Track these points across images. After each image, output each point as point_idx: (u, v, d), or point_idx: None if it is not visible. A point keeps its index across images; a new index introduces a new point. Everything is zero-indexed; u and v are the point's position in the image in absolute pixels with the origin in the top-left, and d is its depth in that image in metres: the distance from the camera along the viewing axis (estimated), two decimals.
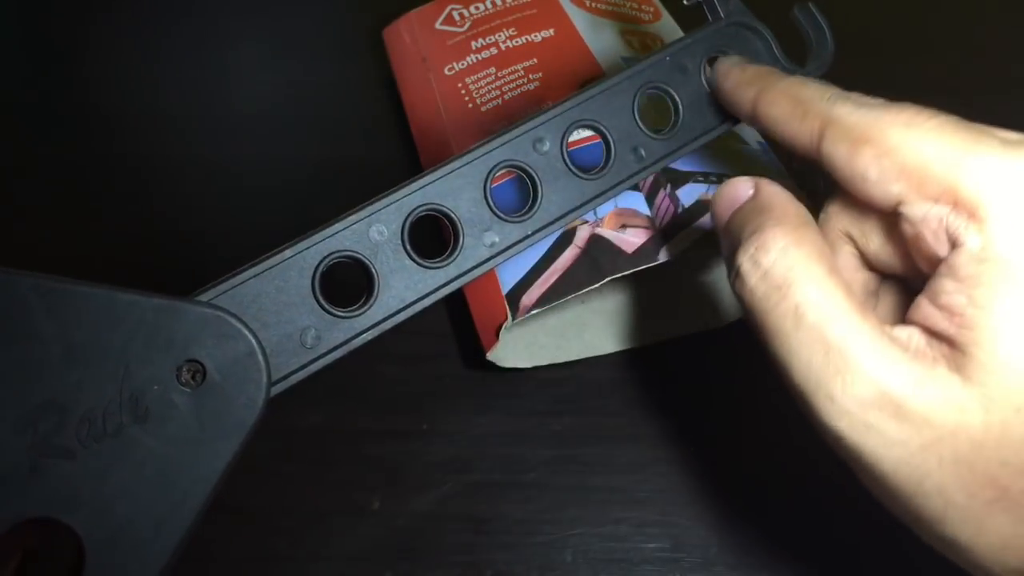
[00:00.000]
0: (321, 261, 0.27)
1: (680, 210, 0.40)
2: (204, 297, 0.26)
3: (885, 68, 0.55)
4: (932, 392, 0.24)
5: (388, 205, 0.28)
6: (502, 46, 0.47)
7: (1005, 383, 0.24)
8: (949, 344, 0.25)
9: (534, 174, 0.30)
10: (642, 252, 0.38)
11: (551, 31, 0.47)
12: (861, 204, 0.28)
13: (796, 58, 0.35)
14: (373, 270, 0.28)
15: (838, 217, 0.30)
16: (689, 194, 0.40)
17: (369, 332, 0.28)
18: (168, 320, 0.25)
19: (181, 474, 0.25)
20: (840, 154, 0.27)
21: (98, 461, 0.24)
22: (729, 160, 0.42)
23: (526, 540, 0.37)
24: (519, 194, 0.31)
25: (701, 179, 0.41)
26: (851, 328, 0.25)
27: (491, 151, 0.29)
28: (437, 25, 0.50)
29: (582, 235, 0.39)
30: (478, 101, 0.46)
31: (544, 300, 0.37)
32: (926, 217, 0.26)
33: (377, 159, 0.50)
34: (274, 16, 0.62)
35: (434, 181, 0.28)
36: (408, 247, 0.28)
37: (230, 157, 0.52)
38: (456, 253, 0.29)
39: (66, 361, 0.24)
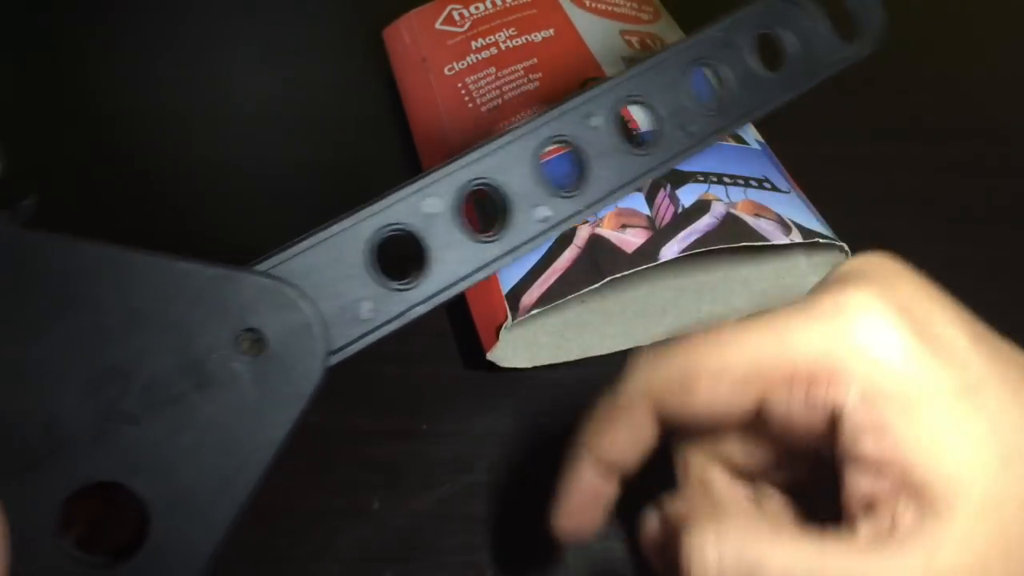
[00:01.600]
0: (376, 233, 0.27)
1: (680, 210, 0.40)
2: (261, 267, 0.26)
3: (881, 67, 0.55)
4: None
5: (441, 179, 0.28)
6: (502, 46, 0.47)
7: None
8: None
9: (584, 149, 0.30)
10: (642, 252, 0.38)
11: (551, 31, 0.47)
12: (710, 427, 0.27)
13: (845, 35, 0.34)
14: (426, 243, 0.28)
15: (695, 452, 0.28)
16: (689, 194, 0.40)
17: (423, 305, 0.28)
18: (228, 289, 0.25)
19: (241, 443, 0.25)
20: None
21: (161, 427, 0.24)
22: (729, 159, 0.42)
23: (526, 540, 0.37)
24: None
25: (701, 179, 0.41)
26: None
27: (541, 126, 0.29)
28: (437, 25, 0.50)
29: (582, 235, 0.39)
30: (478, 101, 0.46)
31: (544, 300, 0.37)
32: (789, 406, 0.24)
33: (377, 159, 0.50)
34: (274, 16, 0.62)
35: (486, 156, 0.28)
36: (461, 221, 0.28)
37: (229, 157, 0.52)
38: (507, 228, 0.29)
39: (129, 328, 0.24)
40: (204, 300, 0.25)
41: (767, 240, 0.39)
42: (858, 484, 0.23)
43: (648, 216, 0.40)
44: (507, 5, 0.49)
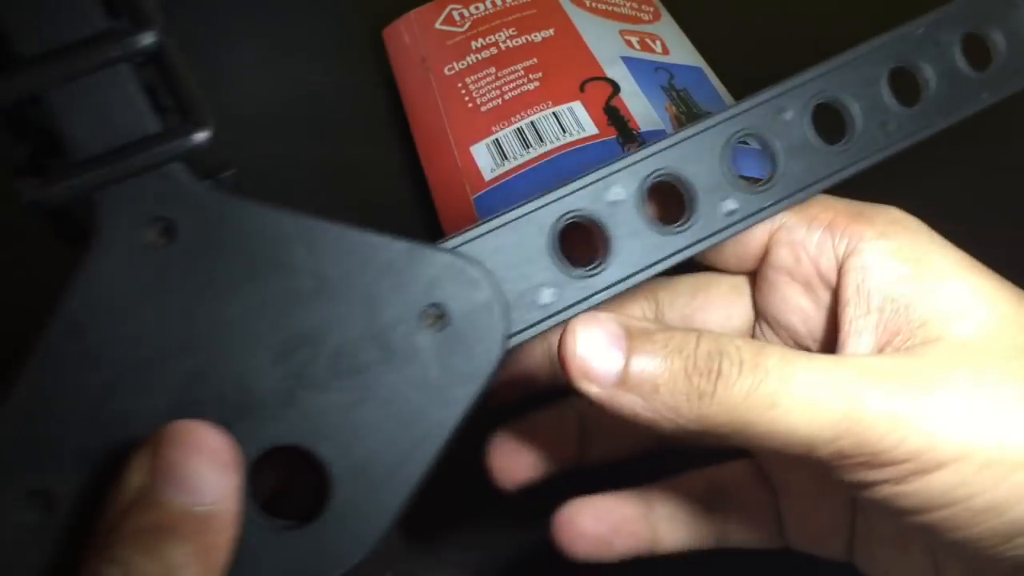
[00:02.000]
0: (559, 219, 0.27)
1: None
2: (447, 245, 0.26)
3: None
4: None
5: (626, 168, 0.28)
6: (502, 46, 0.47)
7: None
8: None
9: (774, 144, 0.29)
10: None
11: (551, 31, 0.47)
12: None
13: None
14: (609, 231, 0.28)
15: None
16: None
17: (604, 293, 0.27)
18: (415, 264, 0.25)
19: (421, 417, 0.25)
20: None
21: (347, 395, 0.25)
22: None
23: (526, 540, 0.37)
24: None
25: None
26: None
27: (731, 118, 0.29)
28: (437, 25, 0.50)
29: None
30: (478, 101, 0.46)
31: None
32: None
33: (377, 159, 0.50)
34: (273, 16, 0.62)
35: (672, 146, 0.28)
36: (645, 210, 0.28)
37: (229, 157, 0.52)
38: (691, 220, 0.28)
39: (320, 296, 0.24)
40: (392, 273, 0.25)
41: None
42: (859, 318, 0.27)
43: None
44: (507, 5, 0.49)
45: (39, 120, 0.23)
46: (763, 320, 0.32)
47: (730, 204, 0.29)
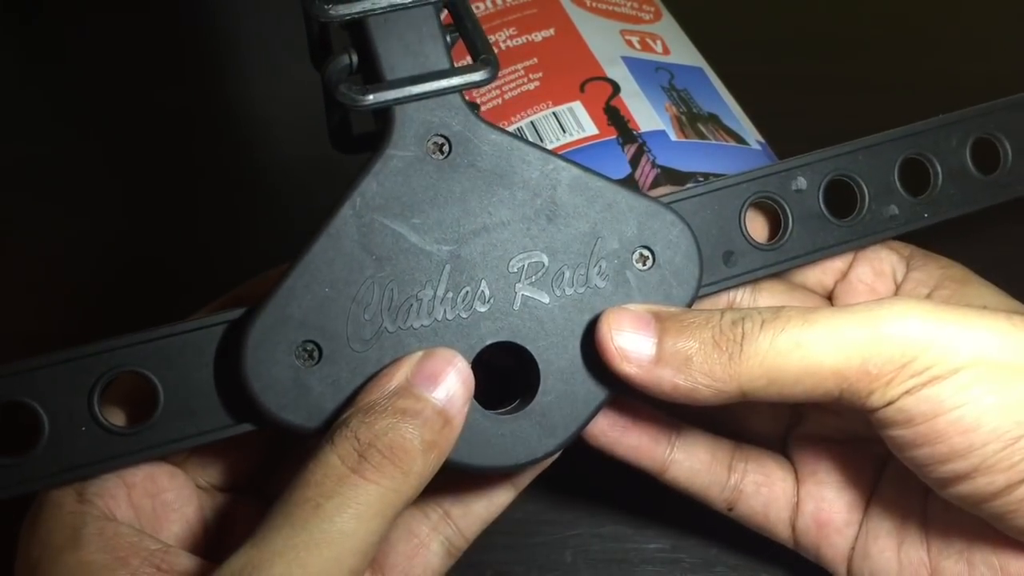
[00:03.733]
0: (750, 197, 0.32)
1: None
2: (660, 199, 0.30)
3: (881, 66, 0.55)
4: None
5: (812, 163, 0.32)
6: (502, 46, 0.47)
7: None
8: None
9: (937, 165, 0.33)
10: None
11: (551, 31, 0.47)
12: None
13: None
14: (790, 213, 0.32)
15: None
16: None
17: (780, 265, 0.32)
18: (634, 208, 0.30)
19: None
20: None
21: (562, 307, 0.29)
22: (729, 159, 0.42)
23: (526, 540, 0.37)
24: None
25: (701, 179, 0.41)
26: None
27: (908, 136, 0.33)
28: None
29: None
30: (478, 101, 0.46)
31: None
32: None
33: None
34: (274, 16, 0.62)
35: (855, 151, 0.33)
36: (822, 200, 0.32)
37: (230, 157, 0.52)
38: (859, 218, 0.33)
39: (553, 220, 0.29)
40: (614, 212, 0.29)
41: None
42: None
43: None
44: (507, 5, 0.49)
45: (360, 42, 0.29)
46: None
47: (893, 210, 0.33)
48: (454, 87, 0.28)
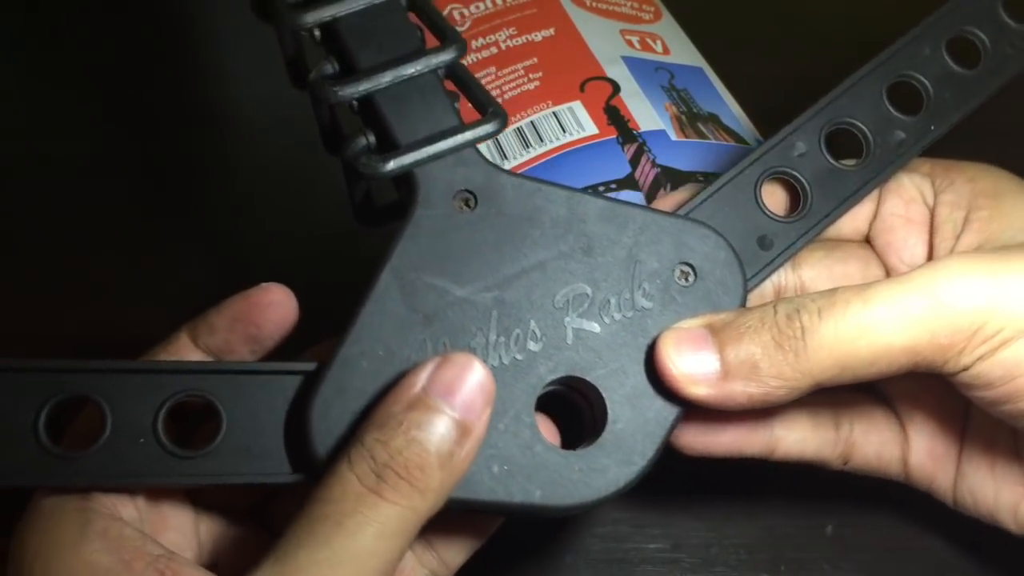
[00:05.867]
0: (759, 178, 0.32)
1: None
2: (683, 212, 0.31)
3: None
4: None
5: (803, 124, 0.33)
6: (502, 46, 0.47)
7: None
8: None
9: (922, 79, 0.34)
10: None
11: (551, 31, 0.47)
12: None
13: None
14: (802, 180, 0.32)
15: None
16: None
17: (814, 231, 0.32)
18: (665, 228, 0.30)
19: None
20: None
21: (615, 334, 0.29)
22: (730, 160, 0.42)
23: (527, 541, 0.37)
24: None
25: (701, 179, 0.41)
26: None
27: (883, 64, 0.33)
28: None
29: None
30: None
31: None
32: None
33: None
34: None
35: (837, 98, 0.33)
36: (827, 154, 0.33)
37: (230, 157, 0.52)
38: (870, 155, 0.33)
39: (589, 252, 0.30)
40: (647, 235, 0.30)
41: None
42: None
43: None
44: (507, 5, 0.49)
45: (372, 118, 0.30)
46: (891, 271, 0.34)
47: (899, 135, 0.33)
48: (468, 141, 0.29)
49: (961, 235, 0.32)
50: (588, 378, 0.29)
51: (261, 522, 0.32)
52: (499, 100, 0.45)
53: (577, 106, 0.44)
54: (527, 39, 0.47)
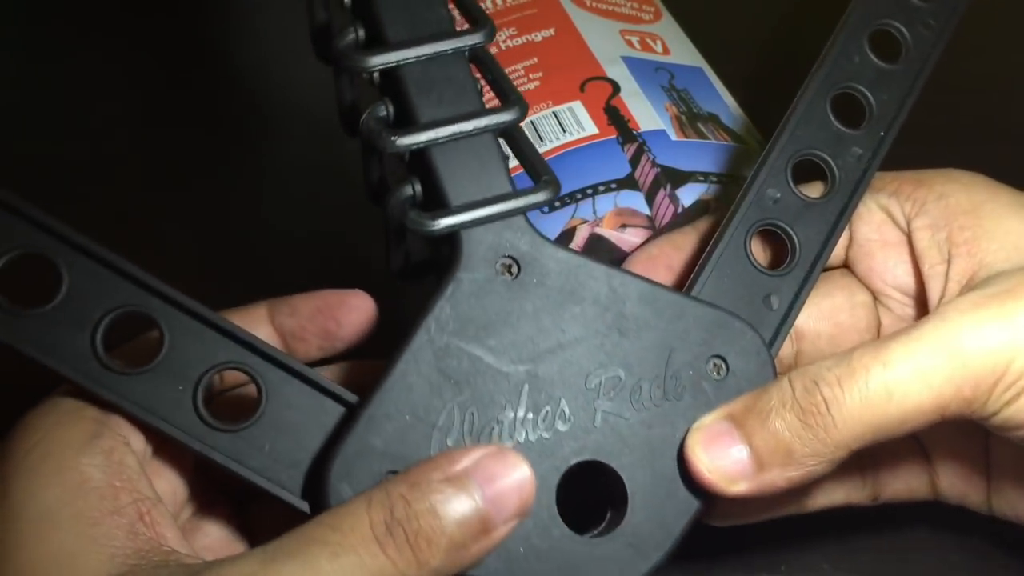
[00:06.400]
0: (746, 236, 0.32)
1: (680, 210, 0.40)
2: (695, 294, 0.31)
3: None
4: None
5: (771, 165, 0.32)
6: (502, 46, 0.47)
7: None
8: None
9: (863, 90, 0.33)
10: None
11: (551, 31, 0.47)
12: None
13: None
14: (787, 228, 0.32)
15: None
16: (689, 194, 0.40)
17: (812, 276, 0.32)
18: (701, 318, 0.30)
19: None
20: None
21: (644, 422, 0.29)
22: (731, 160, 0.42)
23: None
24: None
25: (701, 179, 0.41)
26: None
27: (825, 77, 0.33)
28: None
29: (582, 235, 0.39)
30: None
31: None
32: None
33: None
34: (274, 15, 0.62)
35: (794, 128, 0.33)
36: (799, 191, 0.32)
37: (230, 157, 0.52)
38: (837, 184, 0.32)
39: (624, 334, 0.29)
40: (681, 323, 0.29)
41: None
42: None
43: (648, 216, 0.40)
44: (507, 5, 0.49)
45: (423, 171, 0.29)
46: (878, 295, 0.34)
47: (856, 151, 0.33)
48: (519, 208, 0.29)
49: (950, 263, 0.31)
50: (613, 465, 0.28)
51: (236, 512, 0.32)
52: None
53: (577, 106, 0.44)
54: (527, 39, 0.47)
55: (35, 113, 0.55)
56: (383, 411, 0.27)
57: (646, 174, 0.41)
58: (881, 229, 0.33)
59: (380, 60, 0.29)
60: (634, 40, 0.48)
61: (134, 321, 0.28)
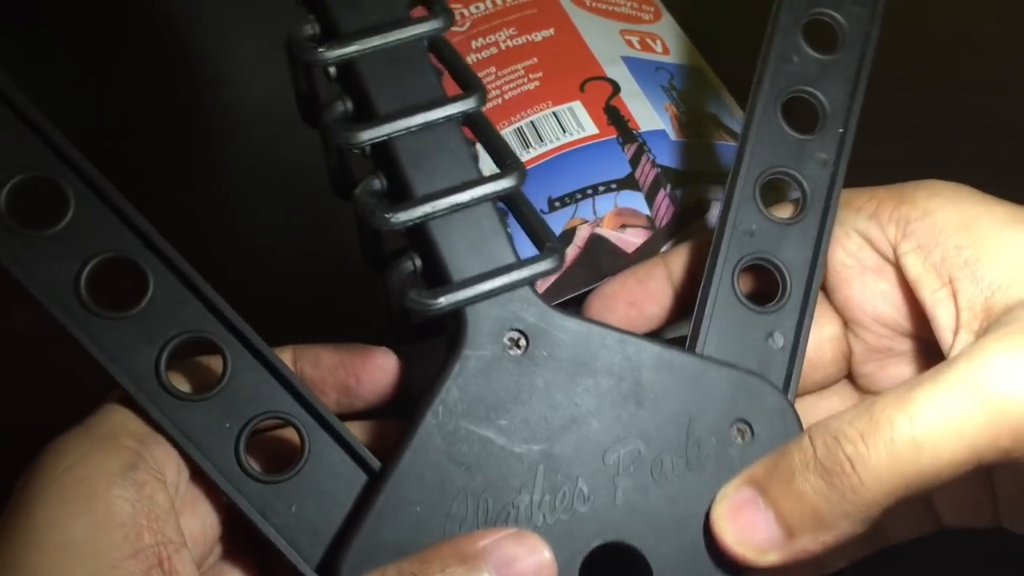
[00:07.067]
0: (734, 274, 0.30)
1: (680, 210, 0.40)
2: (707, 354, 0.29)
3: (881, 66, 0.55)
4: None
5: (741, 194, 0.31)
6: (502, 46, 0.47)
7: None
8: None
9: (811, 90, 0.32)
10: (642, 252, 0.38)
11: (551, 31, 0.47)
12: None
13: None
14: (774, 260, 0.30)
15: None
16: (689, 194, 0.40)
17: (809, 304, 0.30)
18: (720, 381, 0.28)
19: None
20: None
21: (666, 497, 0.27)
22: (729, 159, 0.42)
23: None
24: None
25: (701, 179, 0.41)
26: None
27: (769, 83, 0.32)
28: None
29: (582, 235, 0.39)
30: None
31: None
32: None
33: None
34: (273, 15, 0.62)
35: (753, 147, 0.31)
36: (773, 216, 0.31)
37: (229, 157, 0.52)
38: (810, 198, 0.31)
39: (641, 404, 0.28)
40: (702, 387, 0.28)
41: None
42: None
43: (648, 216, 0.40)
44: (507, 5, 0.49)
45: (422, 246, 0.28)
46: (852, 324, 0.32)
47: (820, 156, 0.31)
48: (524, 279, 0.28)
49: (955, 288, 0.29)
50: (636, 545, 0.27)
51: (260, 563, 0.31)
52: (499, 100, 0.45)
53: (577, 106, 0.44)
54: (527, 39, 0.47)
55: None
56: (393, 503, 0.26)
57: (646, 174, 0.41)
58: (858, 255, 0.31)
59: (370, 135, 0.27)
60: (634, 40, 0.48)
61: (197, 346, 0.28)
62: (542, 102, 0.44)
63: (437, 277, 0.28)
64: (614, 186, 0.40)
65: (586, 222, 0.39)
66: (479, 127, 0.29)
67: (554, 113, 0.44)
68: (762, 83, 0.32)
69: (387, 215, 0.27)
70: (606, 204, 0.40)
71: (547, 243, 0.28)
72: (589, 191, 0.40)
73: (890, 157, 0.51)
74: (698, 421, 0.28)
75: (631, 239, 0.39)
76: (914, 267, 0.29)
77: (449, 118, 0.28)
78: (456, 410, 0.27)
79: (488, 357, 0.27)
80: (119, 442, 0.26)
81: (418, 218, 0.27)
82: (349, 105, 0.29)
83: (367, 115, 0.28)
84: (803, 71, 0.32)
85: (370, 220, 0.27)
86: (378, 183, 0.28)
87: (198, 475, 0.28)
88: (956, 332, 0.28)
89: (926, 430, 0.24)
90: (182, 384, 0.28)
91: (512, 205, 0.29)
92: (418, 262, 0.28)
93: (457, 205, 0.27)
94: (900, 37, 0.59)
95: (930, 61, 0.57)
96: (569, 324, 0.28)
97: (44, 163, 0.27)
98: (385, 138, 0.28)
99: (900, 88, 0.54)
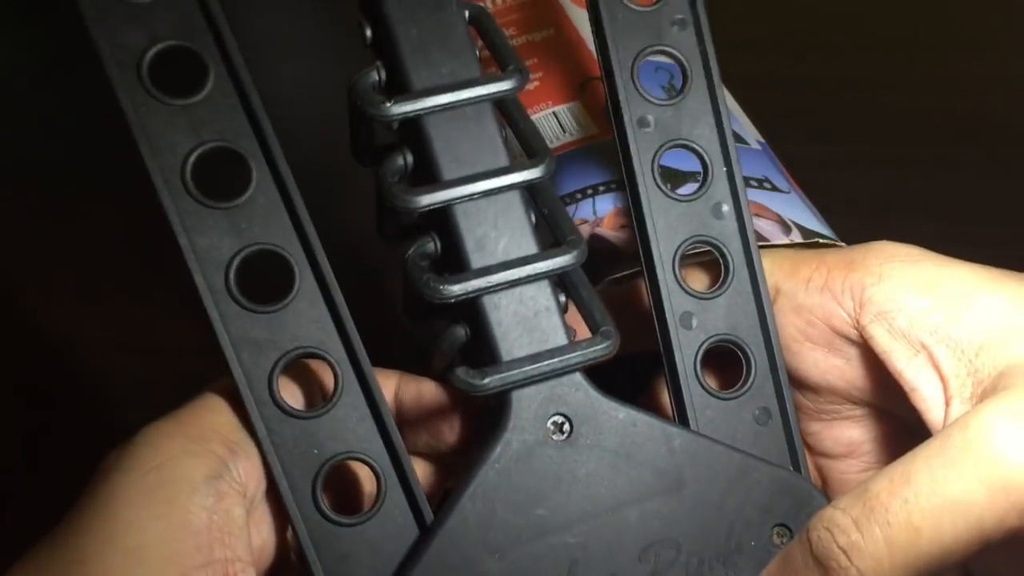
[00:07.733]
0: (695, 360, 0.30)
1: None
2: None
3: (881, 66, 0.55)
4: None
5: (667, 295, 0.30)
6: None
7: None
8: None
9: (690, 143, 0.32)
10: None
11: (551, 31, 0.47)
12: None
13: None
14: (740, 343, 0.30)
15: None
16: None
17: (782, 379, 0.30)
18: (761, 483, 0.27)
19: None
20: None
21: None
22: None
23: None
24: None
25: (699, 179, 0.41)
26: None
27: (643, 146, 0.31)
28: None
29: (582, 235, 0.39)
30: None
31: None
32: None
33: None
34: (273, 15, 0.62)
35: (651, 235, 0.30)
36: (700, 294, 0.30)
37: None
38: (731, 268, 0.30)
39: (682, 500, 0.27)
40: (745, 486, 0.27)
41: (767, 240, 0.39)
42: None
43: None
44: (507, 5, 0.49)
45: (474, 320, 0.27)
46: (802, 389, 0.31)
47: (724, 208, 0.30)
48: (576, 364, 0.26)
49: (933, 356, 0.27)
50: None
51: None
52: None
53: (577, 106, 0.44)
54: (527, 39, 0.47)
55: (37, 115, 0.55)
56: None
57: None
58: (807, 332, 0.29)
59: (430, 200, 0.26)
60: None
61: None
62: (542, 102, 0.44)
63: (485, 356, 0.27)
64: (614, 186, 0.40)
65: (586, 222, 0.39)
66: (541, 194, 0.28)
67: (554, 113, 0.43)
68: (633, 149, 0.31)
69: (442, 287, 0.26)
70: (606, 204, 0.40)
71: (602, 327, 0.27)
72: (589, 191, 0.40)
73: (890, 157, 0.51)
74: (739, 521, 0.27)
75: (631, 239, 0.39)
76: (881, 338, 0.27)
77: (513, 186, 0.27)
78: (494, 495, 0.26)
79: (531, 441, 0.26)
80: (209, 447, 0.26)
81: (473, 292, 0.26)
82: (409, 159, 0.28)
83: (428, 177, 0.27)
84: (672, 122, 0.31)
85: (428, 293, 0.26)
86: (432, 246, 0.28)
87: (272, 494, 0.27)
88: (948, 403, 0.26)
89: (924, 514, 0.23)
90: (288, 396, 0.27)
91: (570, 284, 0.28)
92: (467, 331, 0.28)
93: (513, 281, 0.26)
94: (900, 37, 0.59)
95: (930, 61, 0.57)
96: (616, 412, 0.27)
97: (243, 137, 0.28)
98: (444, 205, 0.27)
99: (900, 88, 0.54)
